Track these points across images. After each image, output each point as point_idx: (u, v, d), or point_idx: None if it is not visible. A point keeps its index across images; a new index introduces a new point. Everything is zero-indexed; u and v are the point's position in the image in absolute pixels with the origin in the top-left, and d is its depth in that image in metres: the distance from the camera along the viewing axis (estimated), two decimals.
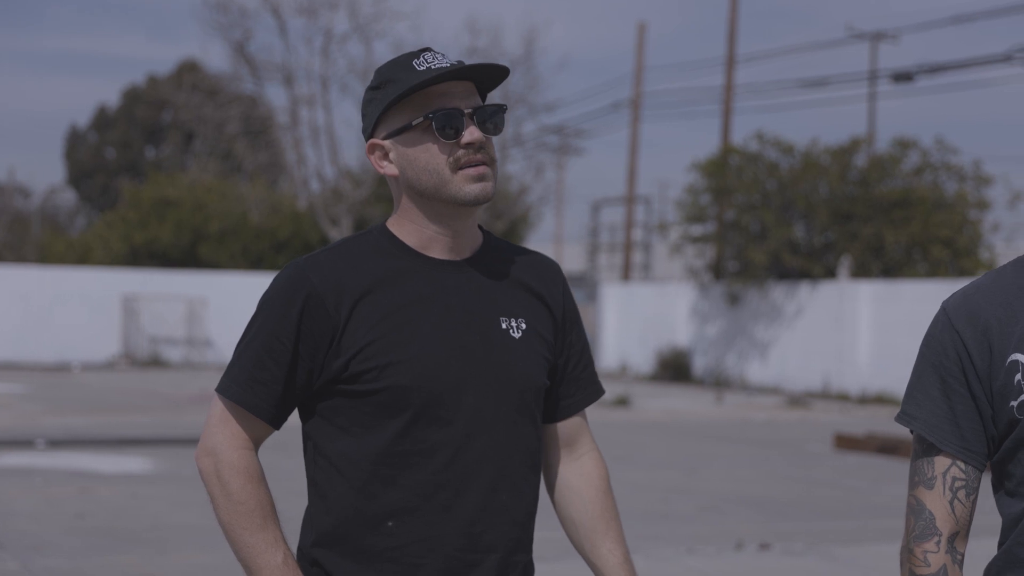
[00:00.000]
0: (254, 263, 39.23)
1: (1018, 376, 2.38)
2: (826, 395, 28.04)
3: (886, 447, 16.41)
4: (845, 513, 11.69)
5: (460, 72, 2.51)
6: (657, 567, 8.97)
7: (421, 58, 2.53)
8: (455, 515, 2.50)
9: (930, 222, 29.06)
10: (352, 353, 2.48)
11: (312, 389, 2.53)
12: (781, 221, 30.24)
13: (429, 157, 2.52)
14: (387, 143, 2.56)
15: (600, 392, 2.77)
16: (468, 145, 2.51)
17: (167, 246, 40.12)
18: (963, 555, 2.47)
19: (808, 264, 29.83)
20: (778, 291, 30.13)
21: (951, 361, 2.43)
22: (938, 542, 2.43)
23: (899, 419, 2.51)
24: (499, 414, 2.54)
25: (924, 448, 2.47)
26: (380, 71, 2.57)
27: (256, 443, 2.55)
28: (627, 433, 18.92)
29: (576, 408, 2.73)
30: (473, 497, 2.51)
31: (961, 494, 2.44)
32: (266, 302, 2.54)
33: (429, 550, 2.49)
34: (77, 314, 33.58)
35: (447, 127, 2.50)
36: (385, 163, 2.58)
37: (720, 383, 30.20)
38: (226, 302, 34.16)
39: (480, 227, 2.66)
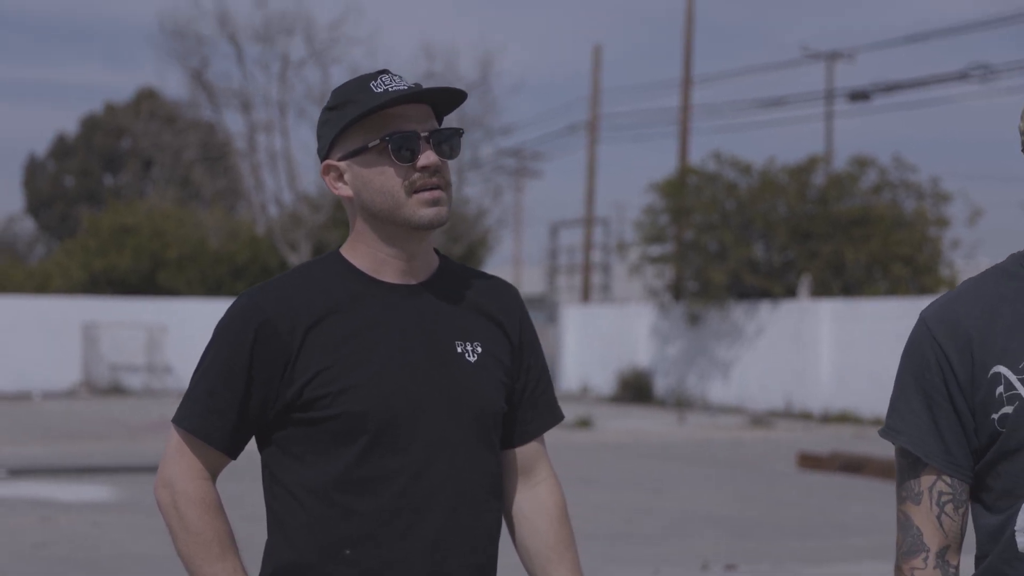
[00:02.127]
0: (213, 289, 39.04)
1: (1000, 388, 2.34)
2: (789, 414, 28.09)
3: (849, 465, 16.44)
4: (810, 532, 11.69)
5: (417, 95, 2.50)
6: None
7: (379, 80, 2.52)
8: (415, 542, 2.47)
9: (890, 240, 29.20)
10: (305, 380, 2.46)
11: (267, 418, 2.51)
12: (740, 240, 30.33)
13: (384, 180, 2.50)
14: (342, 164, 2.55)
15: (559, 418, 2.74)
16: (424, 168, 2.49)
17: (126, 273, 39.89)
18: (956, 567, 2.42)
19: (768, 283, 29.92)
20: (738, 311, 30.20)
21: (933, 373, 2.39)
22: (926, 558, 2.39)
23: (883, 434, 2.46)
24: (456, 439, 2.51)
25: (909, 463, 2.43)
26: (337, 92, 2.55)
27: (213, 473, 2.53)
28: (589, 454, 18.90)
29: (534, 433, 2.70)
30: (433, 523, 2.48)
31: (948, 508, 2.40)
32: (220, 332, 2.53)
33: None
34: (37, 342, 33.35)
35: (403, 149, 2.48)
36: (340, 184, 2.56)
37: (682, 403, 30.23)
38: (185, 329, 33.97)
39: (437, 251, 2.64)
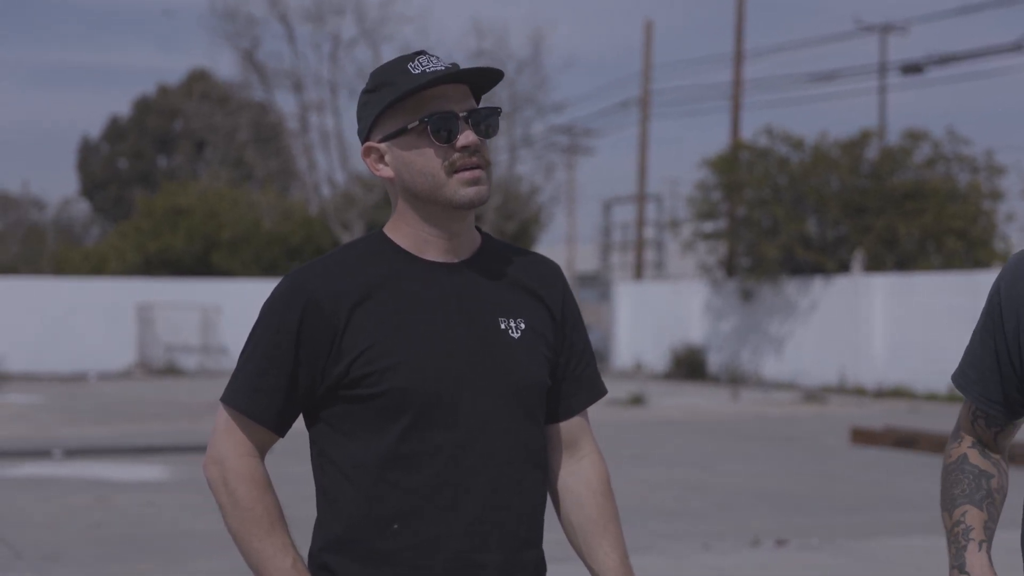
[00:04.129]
0: (267, 270, 39.28)
1: None
2: (842, 389, 27.99)
3: (903, 441, 16.37)
4: (861, 507, 11.67)
5: (455, 75, 2.52)
6: (673, 565, 8.98)
7: (416, 61, 2.54)
8: (459, 515, 2.51)
9: (943, 213, 29.01)
10: (352, 358, 2.50)
11: (315, 396, 2.55)
12: (793, 216, 30.21)
13: (424, 160, 2.53)
14: (383, 146, 2.58)
15: (602, 392, 2.77)
16: (463, 148, 2.52)
17: (180, 254, 40.21)
18: (997, 460, 2.68)
19: (821, 258, 29.79)
20: (791, 286, 30.09)
21: (990, 317, 2.60)
22: (960, 441, 2.69)
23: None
24: (500, 413, 2.55)
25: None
26: (375, 74, 2.58)
27: (261, 451, 2.58)
28: (643, 431, 18.92)
29: (577, 408, 2.72)
30: (476, 497, 2.52)
31: (981, 423, 2.67)
32: (266, 312, 2.57)
33: (435, 551, 2.50)
34: (93, 324, 33.68)
35: (442, 130, 2.51)
36: (381, 166, 2.59)
37: (735, 380, 30.17)
38: (240, 309, 34.17)
39: (479, 229, 2.67)
